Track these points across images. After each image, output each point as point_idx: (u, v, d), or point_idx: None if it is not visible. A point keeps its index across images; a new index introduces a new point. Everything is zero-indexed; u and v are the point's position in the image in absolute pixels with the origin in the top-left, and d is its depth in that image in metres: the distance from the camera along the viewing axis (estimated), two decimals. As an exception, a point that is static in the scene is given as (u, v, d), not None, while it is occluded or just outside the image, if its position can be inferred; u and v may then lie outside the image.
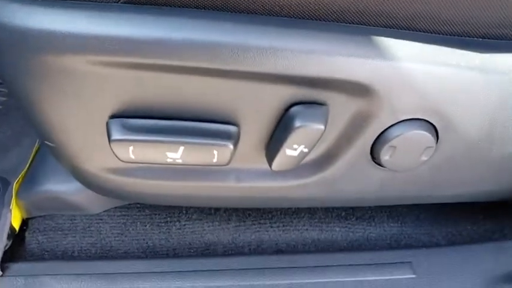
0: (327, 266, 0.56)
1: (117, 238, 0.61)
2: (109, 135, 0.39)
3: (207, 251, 0.60)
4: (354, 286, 0.54)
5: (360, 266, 0.56)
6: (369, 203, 0.57)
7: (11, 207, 0.56)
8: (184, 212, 0.63)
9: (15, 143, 0.63)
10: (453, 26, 0.38)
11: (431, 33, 0.38)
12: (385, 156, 0.42)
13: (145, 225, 0.62)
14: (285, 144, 0.40)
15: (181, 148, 0.39)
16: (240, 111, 0.39)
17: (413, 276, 0.55)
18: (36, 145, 0.62)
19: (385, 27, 0.37)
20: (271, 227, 0.62)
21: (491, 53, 0.39)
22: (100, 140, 0.40)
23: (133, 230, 0.61)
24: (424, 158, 0.43)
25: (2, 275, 0.53)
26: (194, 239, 0.61)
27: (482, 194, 0.53)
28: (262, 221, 0.63)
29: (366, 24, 0.37)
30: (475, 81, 0.39)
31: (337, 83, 0.37)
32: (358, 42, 0.36)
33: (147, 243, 0.60)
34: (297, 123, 0.38)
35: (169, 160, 0.40)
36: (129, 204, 0.63)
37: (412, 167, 0.44)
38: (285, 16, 0.36)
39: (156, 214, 0.63)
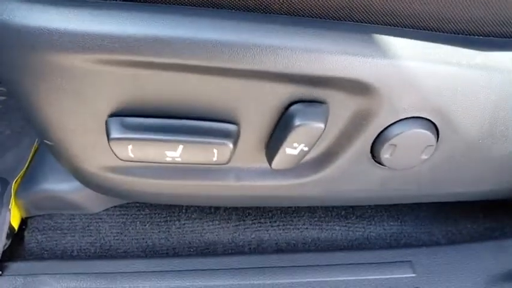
0: (327, 265, 0.56)
1: (116, 237, 0.60)
2: (108, 134, 0.39)
3: (206, 250, 0.60)
4: (354, 285, 0.54)
5: (360, 265, 0.56)
6: (369, 201, 0.57)
7: (10, 207, 0.56)
8: (184, 211, 0.63)
9: (14, 143, 0.63)
10: (456, 24, 0.38)
11: (434, 31, 0.38)
12: (385, 154, 0.42)
13: (145, 225, 0.61)
14: (285, 143, 0.39)
15: (181, 147, 0.39)
16: (239, 109, 0.39)
17: (413, 275, 0.55)
18: (35, 144, 0.62)
19: (389, 25, 0.37)
20: (271, 226, 0.62)
21: (493, 51, 0.39)
22: (99, 139, 0.40)
23: (132, 229, 0.61)
24: (424, 156, 0.43)
25: (1, 274, 0.53)
26: (194, 238, 0.61)
27: (482, 192, 0.53)
28: (262, 220, 0.62)
29: (369, 22, 0.37)
30: (476, 79, 0.39)
31: (338, 81, 0.37)
32: (358, 41, 0.36)
33: (146, 242, 0.60)
34: (297, 122, 0.38)
35: (168, 159, 0.40)
36: (129, 203, 0.63)
37: (412, 165, 0.44)
38: (285, 14, 0.36)
39: (155, 213, 0.62)
